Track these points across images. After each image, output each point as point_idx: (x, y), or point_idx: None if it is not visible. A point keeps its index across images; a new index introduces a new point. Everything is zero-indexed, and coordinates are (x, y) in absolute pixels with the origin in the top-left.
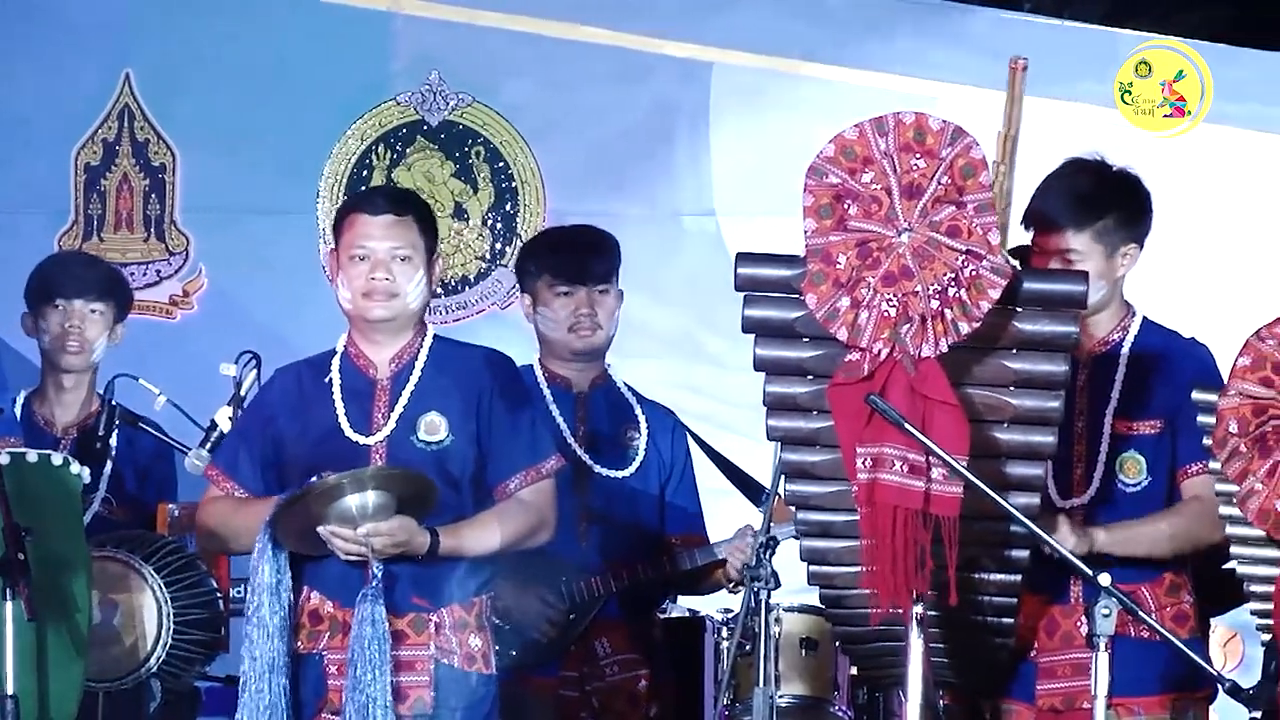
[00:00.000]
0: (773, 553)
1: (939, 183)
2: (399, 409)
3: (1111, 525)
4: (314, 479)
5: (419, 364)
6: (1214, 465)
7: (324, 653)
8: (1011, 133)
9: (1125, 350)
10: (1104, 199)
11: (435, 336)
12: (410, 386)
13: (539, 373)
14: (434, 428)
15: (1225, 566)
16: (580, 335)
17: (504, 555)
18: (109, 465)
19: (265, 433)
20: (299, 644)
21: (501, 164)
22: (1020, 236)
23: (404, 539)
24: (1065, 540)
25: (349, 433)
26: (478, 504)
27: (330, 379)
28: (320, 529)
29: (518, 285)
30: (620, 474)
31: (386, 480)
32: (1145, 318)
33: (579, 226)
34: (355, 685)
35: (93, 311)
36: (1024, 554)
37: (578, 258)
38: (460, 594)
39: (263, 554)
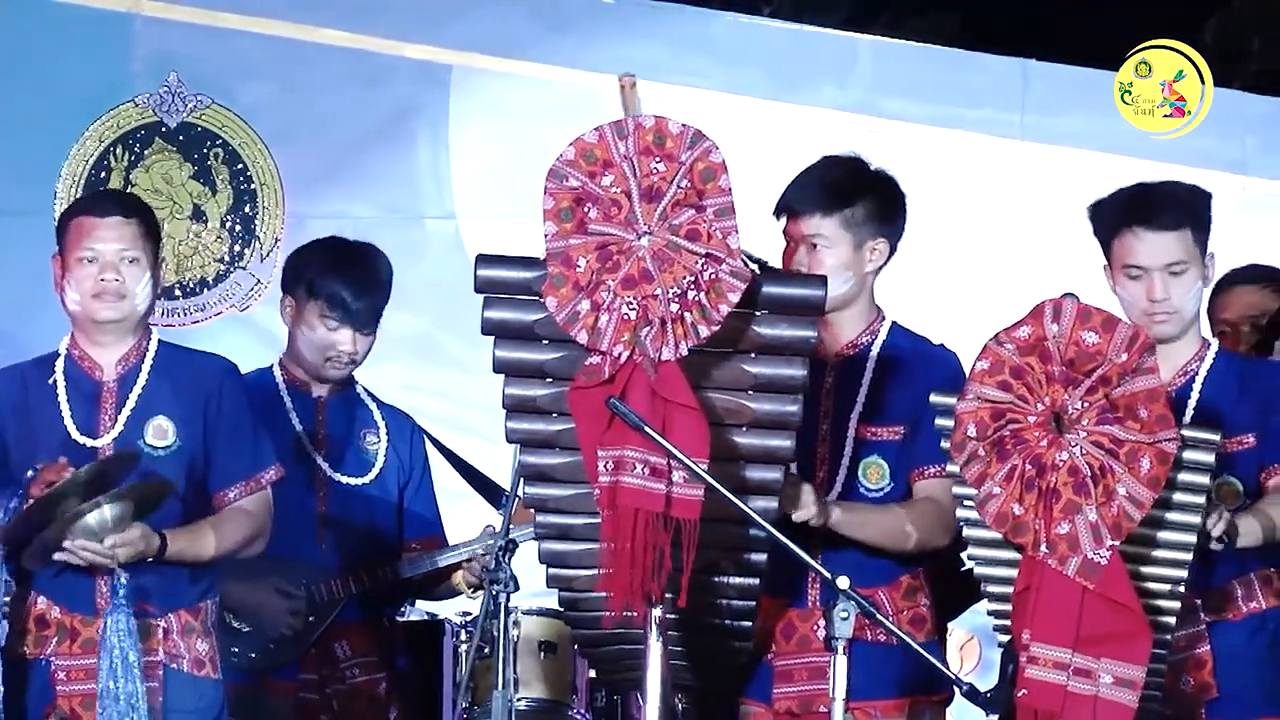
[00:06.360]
0: (512, 555)
1: (679, 186)
2: (126, 412)
3: (850, 505)
4: (40, 486)
5: (145, 367)
6: (951, 468)
7: (51, 658)
8: None
9: (873, 354)
10: (855, 188)
11: (160, 341)
12: (137, 390)
13: (279, 375)
14: (162, 432)
15: (961, 570)
16: (335, 366)
17: (225, 561)
18: None
19: None
20: (25, 648)
21: (240, 166)
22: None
23: (144, 547)
24: (807, 508)
25: (75, 435)
26: (199, 511)
27: (54, 380)
28: (67, 544)
29: (283, 283)
30: (359, 480)
31: (127, 493)
32: (895, 322)
33: (370, 257)
34: (112, 694)
35: None
36: (762, 557)
37: (361, 299)
38: (186, 599)
39: None
